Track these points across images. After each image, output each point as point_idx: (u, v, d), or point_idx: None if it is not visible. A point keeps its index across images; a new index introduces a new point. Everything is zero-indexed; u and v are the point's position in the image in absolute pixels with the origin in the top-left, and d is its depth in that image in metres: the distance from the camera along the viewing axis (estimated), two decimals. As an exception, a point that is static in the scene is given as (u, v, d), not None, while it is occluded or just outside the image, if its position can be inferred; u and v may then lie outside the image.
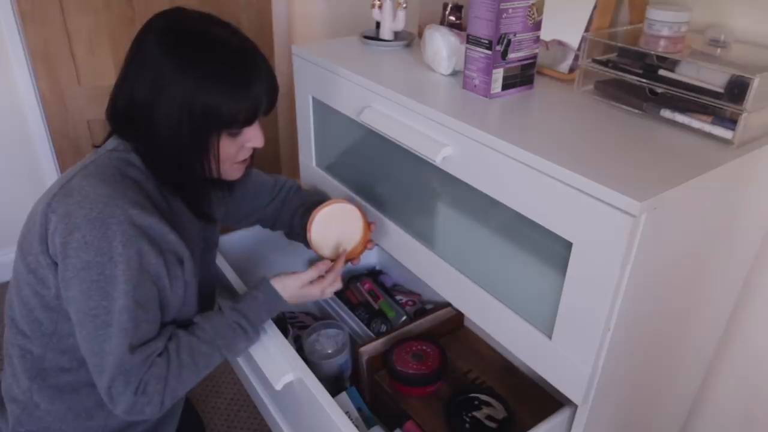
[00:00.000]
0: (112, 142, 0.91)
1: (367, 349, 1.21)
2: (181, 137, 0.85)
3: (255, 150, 0.98)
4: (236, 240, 1.38)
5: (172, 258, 0.89)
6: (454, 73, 1.07)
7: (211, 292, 1.16)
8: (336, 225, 1.09)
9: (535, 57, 0.97)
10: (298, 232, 1.23)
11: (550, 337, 0.83)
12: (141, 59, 0.85)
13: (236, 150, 0.91)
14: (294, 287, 1.02)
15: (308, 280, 1.03)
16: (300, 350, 1.16)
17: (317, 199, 1.27)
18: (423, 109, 0.93)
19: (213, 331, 0.93)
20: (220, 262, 1.25)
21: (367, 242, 1.10)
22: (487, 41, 0.91)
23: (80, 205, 0.80)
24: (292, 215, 1.25)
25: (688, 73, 0.84)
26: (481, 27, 0.91)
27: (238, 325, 0.95)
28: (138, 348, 0.84)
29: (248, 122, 0.89)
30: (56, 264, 0.84)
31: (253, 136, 0.91)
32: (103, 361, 0.84)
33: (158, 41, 0.84)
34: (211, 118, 0.84)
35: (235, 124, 0.87)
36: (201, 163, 0.89)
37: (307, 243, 1.12)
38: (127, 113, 0.88)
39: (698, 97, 0.81)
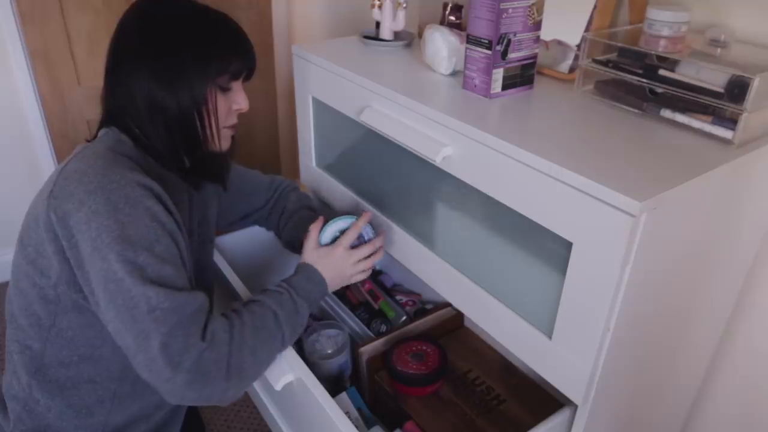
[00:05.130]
0: (102, 132, 0.95)
1: (367, 349, 1.21)
2: (180, 97, 0.89)
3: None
4: (236, 240, 1.38)
5: (177, 222, 0.88)
6: (454, 73, 1.07)
7: (209, 293, 1.16)
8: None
9: (535, 57, 0.97)
10: (285, 239, 1.27)
11: (550, 337, 0.83)
12: (125, 42, 0.91)
13: (227, 110, 0.95)
14: (309, 251, 1.05)
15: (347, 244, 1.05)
16: (300, 350, 1.16)
17: (304, 204, 1.29)
18: (423, 109, 0.93)
19: (259, 296, 0.94)
20: (220, 262, 1.25)
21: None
22: (487, 41, 0.91)
23: (80, 182, 0.81)
24: (278, 218, 1.28)
25: (688, 73, 0.84)
26: (481, 27, 0.91)
27: (280, 287, 0.97)
28: (167, 307, 0.80)
29: (236, 75, 0.94)
30: (65, 251, 0.82)
31: (239, 98, 0.96)
32: (146, 324, 0.77)
33: (139, 19, 0.91)
34: (204, 70, 0.89)
35: (225, 74, 0.92)
36: (202, 121, 0.92)
37: (292, 250, 1.18)
38: (124, 92, 0.92)
39: (698, 97, 0.81)
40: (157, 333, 0.76)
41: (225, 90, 0.94)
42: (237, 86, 0.96)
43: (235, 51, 0.93)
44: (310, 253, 1.04)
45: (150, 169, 0.90)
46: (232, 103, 0.96)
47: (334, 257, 1.04)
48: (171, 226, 0.84)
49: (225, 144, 0.99)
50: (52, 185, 0.84)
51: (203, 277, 1.08)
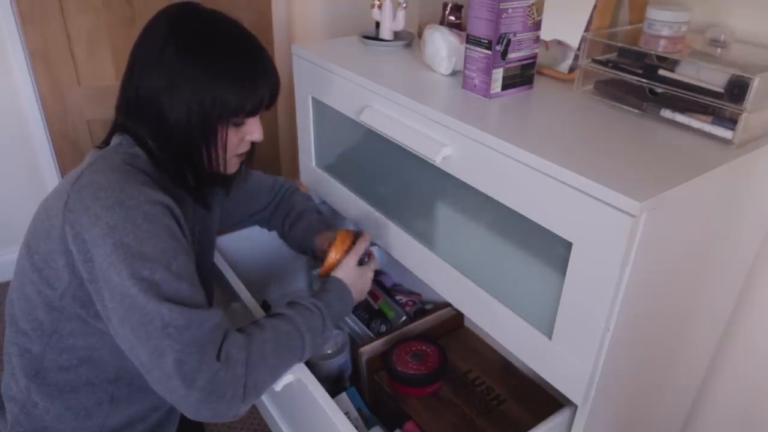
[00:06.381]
0: (116, 139, 0.92)
1: (367, 350, 1.21)
2: (191, 127, 0.87)
3: (255, 148, 1.00)
4: (236, 240, 1.38)
5: (187, 237, 0.88)
6: (454, 73, 1.07)
7: (209, 299, 1.15)
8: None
9: (535, 57, 0.97)
10: (295, 241, 1.26)
11: (550, 337, 0.83)
12: (150, 52, 0.87)
13: (238, 141, 0.93)
14: (350, 269, 1.05)
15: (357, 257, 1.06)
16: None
17: (309, 207, 1.29)
18: (423, 109, 0.93)
19: (290, 311, 0.92)
20: (220, 262, 1.25)
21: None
22: (486, 41, 0.91)
23: (96, 196, 0.80)
24: (283, 219, 1.28)
25: (688, 73, 0.84)
26: (481, 27, 0.91)
27: (314, 306, 0.95)
28: (180, 324, 0.79)
29: (253, 113, 0.91)
30: (76, 264, 0.81)
31: (253, 129, 0.93)
32: (160, 341, 0.76)
33: (168, 34, 0.86)
34: (220, 109, 0.87)
35: (241, 114, 0.89)
36: (209, 152, 0.90)
37: (301, 252, 1.20)
38: (137, 104, 0.89)
39: (698, 97, 0.81)
40: (171, 350, 0.76)
41: (239, 125, 0.91)
42: (255, 118, 0.93)
43: (259, 92, 0.89)
44: (350, 272, 1.04)
45: (164, 184, 0.89)
46: (246, 134, 0.93)
47: (365, 279, 1.07)
48: (185, 243, 0.84)
49: (231, 169, 0.97)
50: (66, 197, 0.82)
51: (204, 283, 1.07)
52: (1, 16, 1.82)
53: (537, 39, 0.95)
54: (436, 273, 1.02)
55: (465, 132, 0.86)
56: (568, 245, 0.74)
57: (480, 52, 0.93)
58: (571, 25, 1.03)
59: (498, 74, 0.94)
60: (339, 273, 1.04)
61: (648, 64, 0.88)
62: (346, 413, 0.94)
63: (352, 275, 1.04)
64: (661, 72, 0.86)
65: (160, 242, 0.80)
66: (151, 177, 0.87)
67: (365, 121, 1.03)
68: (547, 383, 0.87)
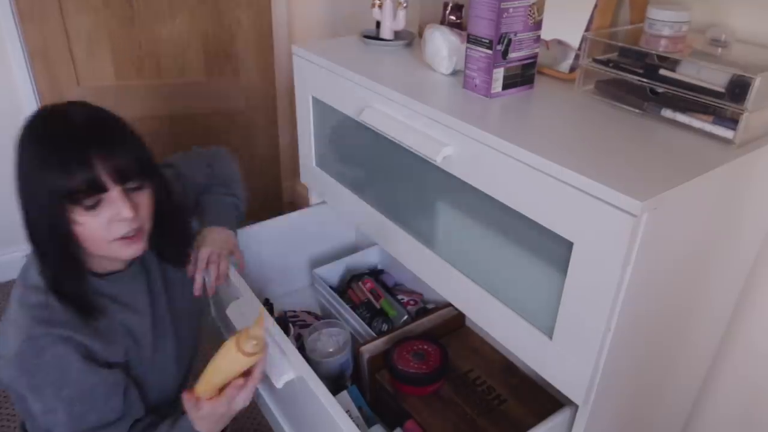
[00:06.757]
0: (27, 266, 0.92)
1: (368, 348, 1.21)
2: (36, 221, 0.85)
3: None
4: (238, 238, 1.38)
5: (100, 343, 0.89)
6: (455, 73, 1.07)
7: (191, 355, 1.14)
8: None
9: (535, 56, 0.97)
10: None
11: (550, 337, 0.83)
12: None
13: (104, 227, 0.84)
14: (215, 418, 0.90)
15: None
16: (301, 349, 1.16)
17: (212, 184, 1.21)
18: (423, 109, 0.93)
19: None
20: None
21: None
22: (487, 41, 0.91)
23: (8, 364, 0.85)
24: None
25: (688, 72, 0.84)
26: (481, 26, 0.91)
27: None
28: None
29: (90, 192, 0.81)
30: None
31: (116, 209, 0.84)
32: None
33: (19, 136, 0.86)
34: (49, 191, 0.81)
35: (79, 195, 0.81)
36: (60, 246, 0.85)
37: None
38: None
39: (699, 97, 0.81)
40: None
41: (90, 208, 0.82)
42: (108, 198, 0.83)
43: (82, 172, 0.80)
44: (212, 421, 0.89)
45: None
46: (111, 216, 0.84)
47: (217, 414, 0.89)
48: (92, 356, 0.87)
49: (124, 253, 0.88)
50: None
51: (178, 347, 1.07)
52: (0, 15, 1.82)
53: (538, 39, 0.95)
54: (437, 273, 1.02)
55: (466, 131, 0.86)
56: (569, 245, 0.74)
57: (481, 52, 0.93)
58: (572, 24, 1.03)
59: (499, 74, 0.94)
60: (200, 425, 0.89)
61: (649, 64, 0.88)
62: (347, 411, 0.94)
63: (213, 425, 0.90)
64: (662, 72, 0.86)
65: (49, 375, 0.86)
66: (49, 303, 0.87)
67: (366, 120, 1.03)
68: (548, 383, 0.87)
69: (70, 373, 0.85)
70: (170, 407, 1.06)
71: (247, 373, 0.87)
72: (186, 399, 0.87)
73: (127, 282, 0.97)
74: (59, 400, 0.85)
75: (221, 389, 0.87)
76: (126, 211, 0.83)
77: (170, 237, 0.98)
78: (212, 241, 1.10)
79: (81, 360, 0.86)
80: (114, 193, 0.83)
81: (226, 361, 0.85)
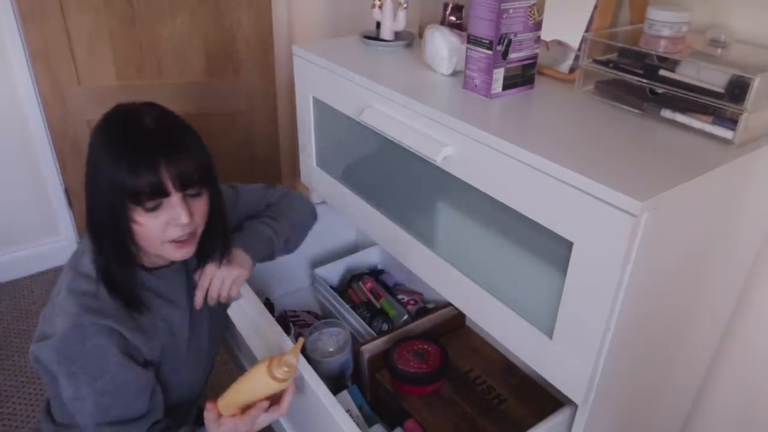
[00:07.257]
0: (80, 253, 0.95)
1: (369, 348, 1.22)
2: (98, 212, 0.88)
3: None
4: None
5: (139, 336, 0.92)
6: (455, 73, 1.07)
7: (214, 356, 1.17)
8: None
9: (535, 57, 0.97)
10: None
11: (550, 337, 0.83)
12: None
13: (160, 228, 0.87)
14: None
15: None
16: (301, 348, 1.16)
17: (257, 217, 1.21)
18: (423, 109, 0.93)
19: None
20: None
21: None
22: (487, 41, 0.91)
23: (50, 347, 0.89)
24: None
25: (688, 73, 0.84)
26: (481, 27, 0.91)
27: None
28: (104, 426, 0.90)
29: (154, 195, 0.84)
30: None
31: (174, 214, 0.87)
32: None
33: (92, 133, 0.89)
34: (114, 188, 0.84)
35: (143, 197, 0.84)
36: (117, 240, 0.88)
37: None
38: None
39: (699, 98, 0.81)
40: None
41: (151, 210, 0.86)
42: (168, 202, 0.86)
43: (152, 175, 0.83)
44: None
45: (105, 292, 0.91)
46: (169, 219, 0.87)
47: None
48: (128, 350, 0.90)
49: (173, 255, 0.91)
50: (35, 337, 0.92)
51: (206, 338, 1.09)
52: (1, 16, 1.82)
53: (538, 39, 0.96)
54: (437, 273, 1.03)
55: (466, 132, 0.86)
56: (569, 245, 0.75)
57: (481, 52, 0.93)
58: (572, 25, 1.03)
59: (499, 74, 0.94)
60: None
61: (648, 65, 0.88)
62: (348, 411, 0.94)
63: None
64: (662, 72, 0.87)
65: (88, 366, 0.89)
66: (96, 294, 0.90)
67: (366, 121, 1.03)
68: (548, 383, 0.87)
69: (107, 365, 0.87)
70: (188, 411, 1.10)
71: (269, 396, 0.90)
72: (208, 410, 0.90)
73: (170, 277, 1.00)
74: (91, 389, 0.87)
75: (243, 408, 0.90)
76: (184, 217, 0.87)
77: (214, 242, 1.00)
78: (227, 261, 1.08)
79: (120, 354, 0.88)
80: (174, 198, 0.86)
81: (254, 383, 0.88)
